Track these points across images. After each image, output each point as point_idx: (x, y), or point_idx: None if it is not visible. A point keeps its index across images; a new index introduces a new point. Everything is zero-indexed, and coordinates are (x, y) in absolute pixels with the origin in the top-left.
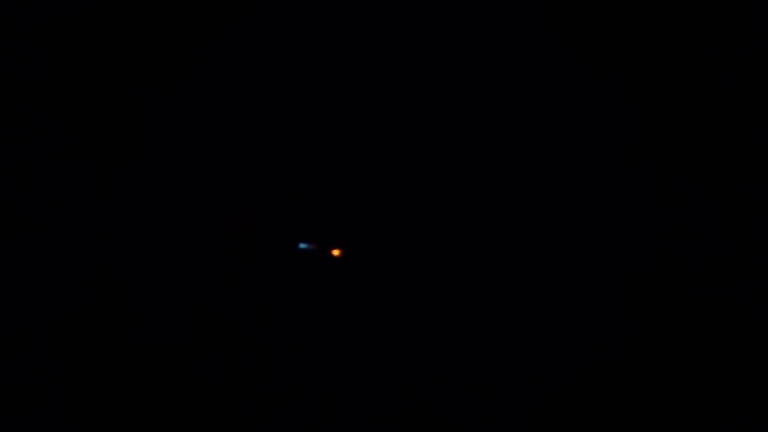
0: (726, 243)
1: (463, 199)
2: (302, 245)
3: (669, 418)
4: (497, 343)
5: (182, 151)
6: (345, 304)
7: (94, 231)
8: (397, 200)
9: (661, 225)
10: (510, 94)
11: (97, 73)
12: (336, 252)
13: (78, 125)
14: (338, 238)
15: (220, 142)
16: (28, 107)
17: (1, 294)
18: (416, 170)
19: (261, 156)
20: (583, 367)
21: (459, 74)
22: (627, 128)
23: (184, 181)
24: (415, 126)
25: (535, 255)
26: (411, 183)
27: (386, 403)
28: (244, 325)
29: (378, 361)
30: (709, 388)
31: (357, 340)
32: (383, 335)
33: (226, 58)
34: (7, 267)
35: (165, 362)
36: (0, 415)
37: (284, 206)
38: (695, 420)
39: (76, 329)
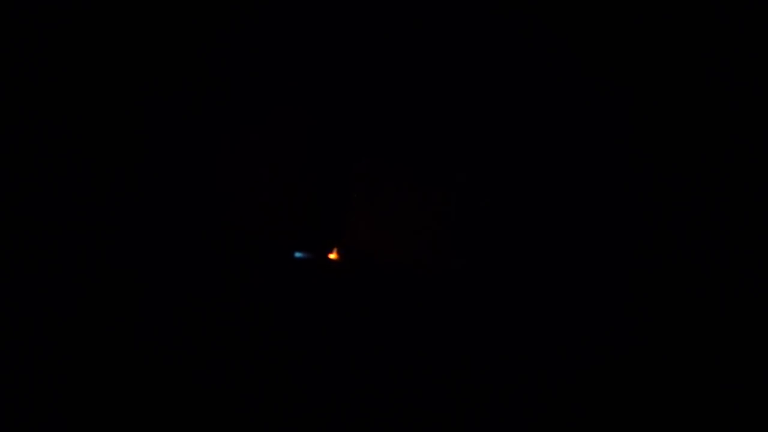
0: (726, 243)
1: (463, 199)
2: (298, 254)
3: (669, 418)
4: (497, 344)
5: (181, 158)
6: (342, 311)
7: (93, 231)
8: (396, 200)
9: (661, 225)
10: (510, 95)
11: (98, 73)
12: (333, 255)
13: (78, 125)
14: (334, 244)
15: (222, 145)
16: (28, 107)
17: (1, 294)
18: (415, 171)
19: (265, 159)
20: (583, 367)
21: (458, 75)
22: (627, 128)
23: (183, 190)
24: (415, 129)
25: (535, 255)
26: (410, 183)
27: (385, 406)
28: (242, 331)
29: (376, 369)
30: (709, 388)
31: (355, 346)
32: (382, 339)
33: (226, 59)
34: (7, 267)
35: (160, 369)
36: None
37: (288, 210)
38: (695, 420)
39: (76, 329)
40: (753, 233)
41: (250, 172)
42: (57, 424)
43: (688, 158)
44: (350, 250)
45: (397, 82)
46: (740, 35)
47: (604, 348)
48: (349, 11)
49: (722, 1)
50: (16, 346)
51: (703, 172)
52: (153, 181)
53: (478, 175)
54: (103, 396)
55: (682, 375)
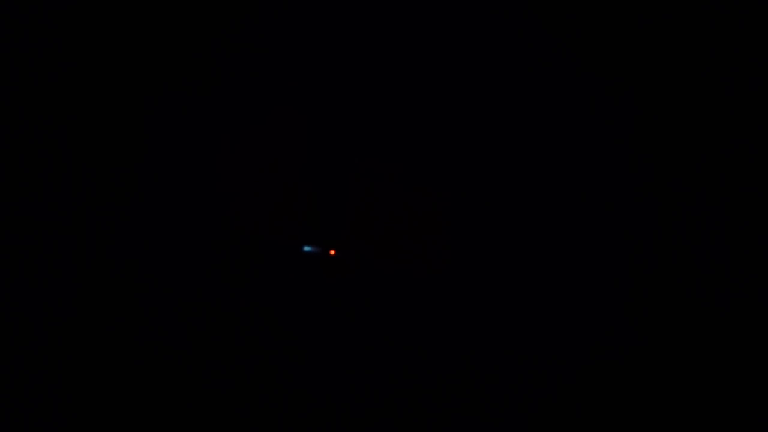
0: (726, 243)
1: (464, 199)
2: (306, 248)
3: (669, 418)
4: (497, 343)
5: (187, 154)
6: (348, 305)
7: (95, 232)
8: (397, 201)
9: (661, 225)
10: (510, 94)
11: (98, 74)
12: (333, 252)
13: (79, 126)
14: (338, 239)
15: (223, 144)
16: (28, 108)
17: (1, 294)
18: (416, 171)
19: (265, 158)
20: (583, 367)
21: (459, 74)
22: (627, 128)
23: (190, 185)
24: (414, 127)
25: (535, 255)
26: (411, 184)
27: (386, 403)
28: (249, 327)
29: (381, 363)
30: (708, 389)
31: (359, 342)
32: (386, 337)
33: (226, 59)
34: (7, 267)
35: (167, 362)
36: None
37: (289, 209)
38: (695, 420)
39: (76, 329)
40: (753, 233)
41: (250, 172)
42: (57, 424)
43: (687, 158)
44: (350, 248)
45: (396, 83)
46: (740, 35)
47: (603, 349)
48: (348, 12)
49: (722, 1)
50: (16, 346)
51: (702, 172)
52: (154, 182)
53: (478, 175)
54: (108, 395)
55: (681, 375)
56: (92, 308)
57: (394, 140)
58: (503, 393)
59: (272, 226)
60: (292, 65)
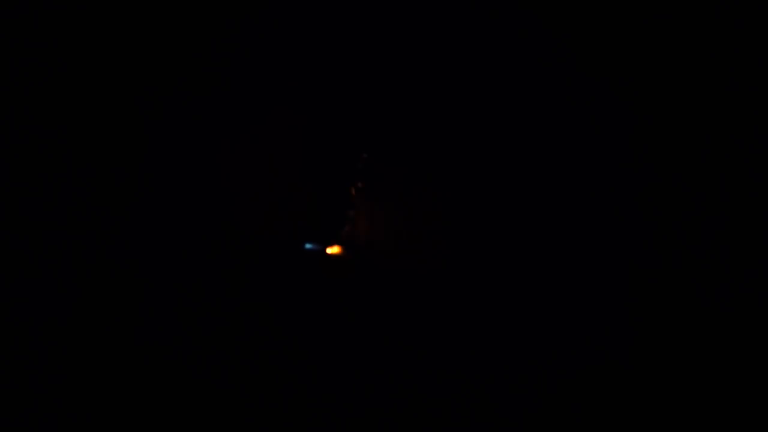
0: (726, 243)
1: (465, 199)
2: (308, 245)
3: (669, 418)
4: (497, 343)
5: (187, 154)
6: (348, 305)
7: (94, 231)
8: (398, 201)
9: (661, 225)
10: (510, 94)
11: (98, 75)
12: (332, 251)
13: (80, 127)
14: (338, 239)
15: (223, 145)
16: (28, 108)
17: (1, 294)
18: (416, 171)
19: (265, 158)
20: (584, 366)
21: (459, 75)
22: (627, 128)
23: (190, 185)
24: (414, 127)
25: (537, 255)
26: (412, 184)
27: (386, 403)
28: (249, 327)
29: (381, 362)
30: (709, 389)
31: (359, 342)
32: (386, 336)
33: (225, 59)
34: (7, 267)
35: (167, 362)
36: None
37: (289, 209)
38: (695, 420)
39: (76, 328)
40: (753, 233)
41: (250, 172)
42: (57, 425)
43: (687, 158)
44: (350, 246)
45: (396, 83)
46: (740, 35)
47: (603, 349)
48: (347, 12)
49: (722, 1)
50: (16, 347)
51: (702, 173)
52: (154, 181)
53: (479, 175)
54: (107, 395)
55: (681, 375)
56: (92, 307)
57: (394, 140)
58: (504, 393)
59: (272, 226)
60: (291, 65)
